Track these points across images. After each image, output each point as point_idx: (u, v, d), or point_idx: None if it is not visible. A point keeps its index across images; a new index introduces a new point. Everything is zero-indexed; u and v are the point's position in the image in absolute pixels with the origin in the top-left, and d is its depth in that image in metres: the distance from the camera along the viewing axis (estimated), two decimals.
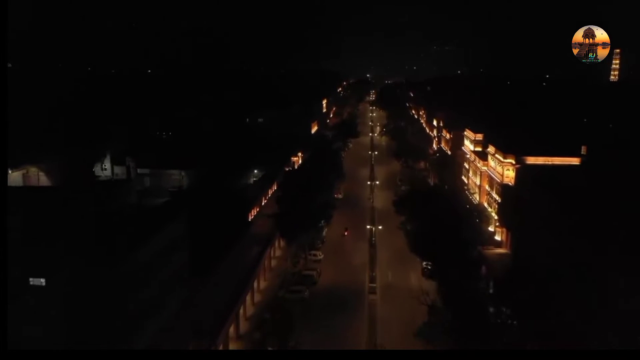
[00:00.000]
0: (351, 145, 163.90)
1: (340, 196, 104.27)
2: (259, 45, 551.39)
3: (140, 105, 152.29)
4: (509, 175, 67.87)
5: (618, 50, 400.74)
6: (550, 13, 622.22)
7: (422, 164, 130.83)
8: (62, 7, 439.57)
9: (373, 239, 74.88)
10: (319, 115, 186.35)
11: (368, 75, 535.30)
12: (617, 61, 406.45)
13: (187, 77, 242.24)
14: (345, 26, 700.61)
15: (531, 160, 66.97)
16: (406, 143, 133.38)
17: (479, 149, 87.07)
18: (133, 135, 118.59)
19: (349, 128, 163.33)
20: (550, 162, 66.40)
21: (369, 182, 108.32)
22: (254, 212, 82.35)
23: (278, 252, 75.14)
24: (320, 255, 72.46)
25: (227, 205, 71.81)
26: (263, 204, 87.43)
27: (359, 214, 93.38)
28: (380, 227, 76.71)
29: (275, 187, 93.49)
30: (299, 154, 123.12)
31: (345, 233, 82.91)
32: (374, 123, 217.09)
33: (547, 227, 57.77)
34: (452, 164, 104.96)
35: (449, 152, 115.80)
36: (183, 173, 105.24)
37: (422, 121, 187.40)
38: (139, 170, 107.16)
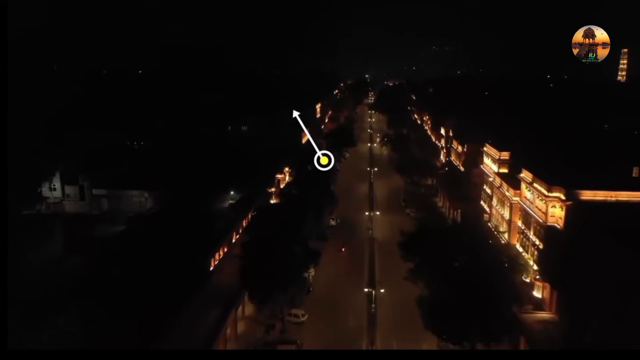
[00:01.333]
0: (348, 155, 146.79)
1: (334, 222, 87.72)
2: (257, 45, 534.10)
3: (115, 110, 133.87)
4: (556, 214, 50.35)
5: (625, 50, 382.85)
6: (549, 13, 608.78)
7: (428, 180, 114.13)
8: (58, 8, 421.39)
9: (373, 306, 57.10)
10: (312, 121, 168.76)
11: (367, 76, 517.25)
12: (625, 61, 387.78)
13: (180, 78, 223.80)
14: (344, 26, 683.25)
15: (588, 195, 49.30)
16: (410, 155, 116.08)
17: (504, 170, 69.65)
18: (95, 146, 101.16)
19: (346, 136, 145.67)
20: (614, 198, 49.00)
21: (367, 213, 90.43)
22: (221, 252, 65.21)
23: (249, 309, 57.69)
24: (303, 317, 55.09)
25: (186, 245, 55.59)
26: (234, 240, 70.06)
27: (357, 248, 76.50)
28: (382, 290, 59.03)
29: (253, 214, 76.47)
30: (286, 169, 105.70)
31: (343, 250, 75.24)
32: (373, 130, 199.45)
33: (618, 292, 40.94)
34: (467, 184, 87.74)
35: (461, 168, 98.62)
36: (146, 194, 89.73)
37: (426, 128, 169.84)
38: (94, 191, 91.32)
